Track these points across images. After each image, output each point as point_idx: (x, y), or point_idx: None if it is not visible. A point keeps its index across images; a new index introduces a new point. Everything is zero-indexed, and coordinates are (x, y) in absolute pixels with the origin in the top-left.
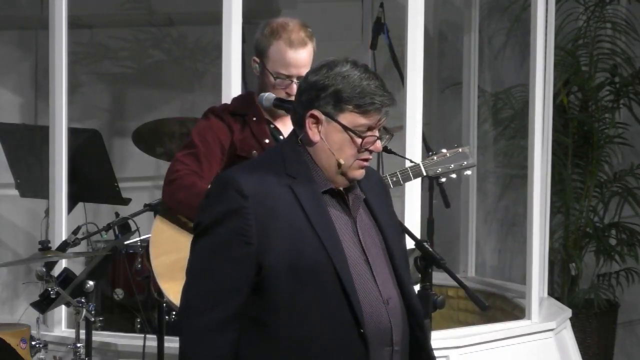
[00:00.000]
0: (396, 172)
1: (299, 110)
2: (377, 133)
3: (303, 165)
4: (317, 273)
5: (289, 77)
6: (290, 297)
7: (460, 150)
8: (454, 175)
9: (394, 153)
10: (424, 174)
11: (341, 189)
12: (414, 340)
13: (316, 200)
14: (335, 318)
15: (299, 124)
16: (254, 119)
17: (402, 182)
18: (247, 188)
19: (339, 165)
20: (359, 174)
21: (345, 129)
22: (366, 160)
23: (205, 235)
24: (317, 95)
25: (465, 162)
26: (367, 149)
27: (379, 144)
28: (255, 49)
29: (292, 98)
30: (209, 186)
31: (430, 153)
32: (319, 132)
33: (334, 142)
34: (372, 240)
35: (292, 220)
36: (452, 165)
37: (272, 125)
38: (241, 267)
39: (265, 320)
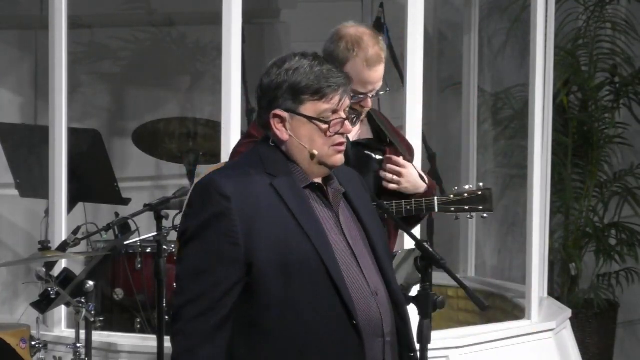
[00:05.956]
0: (411, 201)
1: (262, 115)
2: (343, 115)
3: (281, 163)
4: (306, 268)
5: (365, 93)
6: (281, 293)
7: (480, 192)
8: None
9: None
10: (435, 210)
11: (321, 182)
12: (397, 332)
13: (298, 196)
14: (327, 311)
15: (266, 127)
16: None
17: (414, 212)
18: (228, 189)
19: (312, 156)
20: (338, 159)
21: (310, 119)
22: (341, 144)
23: (194, 240)
24: (274, 95)
25: (481, 207)
26: (337, 133)
27: (348, 125)
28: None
29: (365, 111)
30: (190, 193)
31: (455, 188)
32: (287, 130)
33: (303, 136)
34: (355, 233)
35: (277, 217)
36: (468, 207)
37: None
38: (231, 269)
39: (258, 319)
